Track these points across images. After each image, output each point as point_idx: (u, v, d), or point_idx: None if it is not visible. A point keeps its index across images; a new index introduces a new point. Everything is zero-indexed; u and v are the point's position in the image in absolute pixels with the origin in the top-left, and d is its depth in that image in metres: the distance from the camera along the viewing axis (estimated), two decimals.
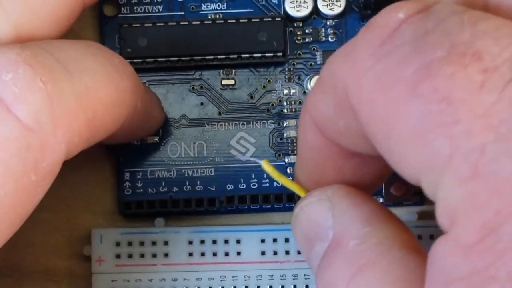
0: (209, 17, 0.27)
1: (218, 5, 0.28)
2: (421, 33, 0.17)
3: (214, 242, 0.27)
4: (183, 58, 0.27)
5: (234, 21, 0.27)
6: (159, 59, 0.27)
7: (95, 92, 0.21)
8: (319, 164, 0.22)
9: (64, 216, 0.27)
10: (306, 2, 0.27)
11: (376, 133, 0.18)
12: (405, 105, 0.17)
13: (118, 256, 0.27)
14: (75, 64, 0.20)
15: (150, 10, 0.27)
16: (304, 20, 0.27)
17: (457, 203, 0.16)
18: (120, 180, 0.27)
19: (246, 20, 0.27)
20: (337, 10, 0.27)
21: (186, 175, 0.27)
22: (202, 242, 0.27)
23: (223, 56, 0.27)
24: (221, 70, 0.27)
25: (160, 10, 0.27)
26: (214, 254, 0.27)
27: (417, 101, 0.17)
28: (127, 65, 0.22)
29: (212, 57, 0.27)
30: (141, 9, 0.27)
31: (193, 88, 0.27)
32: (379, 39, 0.18)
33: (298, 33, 0.28)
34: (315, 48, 0.28)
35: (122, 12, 0.27)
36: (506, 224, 0.15)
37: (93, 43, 0.22)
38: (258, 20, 0.27)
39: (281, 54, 0.27)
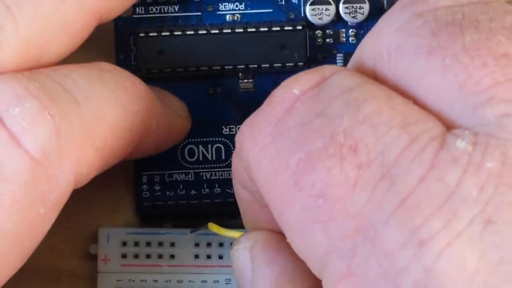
0: (227, 19, 0.26)
1: (236, 5, 0.27)
2: (309, 117, 0.18)
3: (221, 244, 0.27)
4: (201, 68, 0.26)
5: (254, 29, 0.26)
6: (177, 69, 0.26)
7: (104, 120, 0.21)
8: (252, 213, 0.22)
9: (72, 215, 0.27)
10: (328, 10, 0.26)
11: (272, 211, 0.19)
12: (290, 195, 0.18)
13: (124, 256, 0.27)
14: (82, 92, 0.20)
15: (166, 11, 0.26)
16: (326, 27, 0.27)
17: None
18: (137, 183, 0.27)
19: (266, 29, 0.26)
20: (360, 18, 0.26)
21: (204, 178, 0.27)
22: (209, 244, 0.27)
23: (242, 66, 0.26)
24: (240, 74, 0.27)
25: (176, 10, 0.26)
26: (220, 257, 0.27)
27: (299, 193, 0.17)
28: (140, 86, 0.22)
29: (231, 67, 0.26)
30: (156, 9, 0.26)
31: (212, 93, 0.27)
32: (275, 116, 0.18)
33: (318, 35, 0.27)
34: (336, 51, 0.27)
35: (137, 12, 0.26)
36: None
37: (105, 65, 0.22)
38: (278, 29, 0.26)
39: (302, 63, 0.26)
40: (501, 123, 0.16)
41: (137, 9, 0.26)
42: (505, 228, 0.15)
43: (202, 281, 0.27)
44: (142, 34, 0.26)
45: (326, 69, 0.19)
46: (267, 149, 0.18)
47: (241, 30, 0.26)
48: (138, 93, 0.22)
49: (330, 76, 0.18)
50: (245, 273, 0.22)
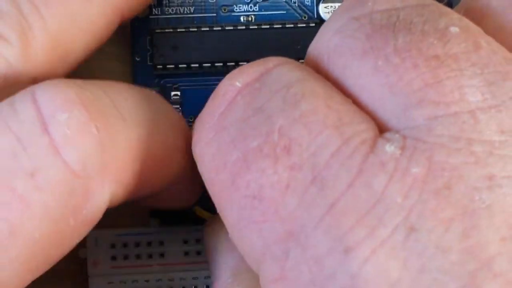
0: (242, 20, 0.27)
1: (251, 7, 0.27)
2: (247, 113, 0.18)
3: None
4: (216, 64, 0.26)
5: (268, 26, 0.26)
6: (192, 65, 0.26)
7: (147, 145, 0.20)
8: None
9: None
10: None
11: (216, 207, 0.19)
12: (228, 194, 0.18)
13: (113, 258, 0.27)
14: (131, 113, 0.20)
15: (182, 12, 0.27)
16: None
17: None
18: None
19: (280, 26, 0.26)
20: None
21: None
22: (198, 241, 0.27)
23: None
24: None
25: (192, 11, 0.27)
26: None
27: (235, 193, 0.17)
28: (184, 124, 0.22)
29: (245, 63, 0.26)
30: (172, 10, 0.27)
31: None
32: (218, 110, 0.18)
33: None
34: None
35: (153, 13, 0.27)
36: None
37: (155, 94, 0.22)
38: (292, 25, 0.26)
39: None
40: (430, 126, 0.16)
41: (153, 10, 0.27)
42: (428, 235, 0.15)
43: (193, 278, 0.27)
44: (158, 30, 0.26)
45: (271, 60, 0.19)
46: (210, 145, 0.18)
47: (255, 26, 0.26)
48: (182, 129, 0.22)
49: (274, 68, 0.18)
50: (211, 254, 0.23)
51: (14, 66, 0.20)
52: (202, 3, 0.27)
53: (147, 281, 0.27)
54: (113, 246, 0.27)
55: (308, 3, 0.27)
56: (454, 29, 0.17)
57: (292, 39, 0.26)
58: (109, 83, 0.21)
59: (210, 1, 0.27)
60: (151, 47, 0.26)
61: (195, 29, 0.26)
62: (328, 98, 0.17)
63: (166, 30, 0.26)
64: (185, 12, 0.27)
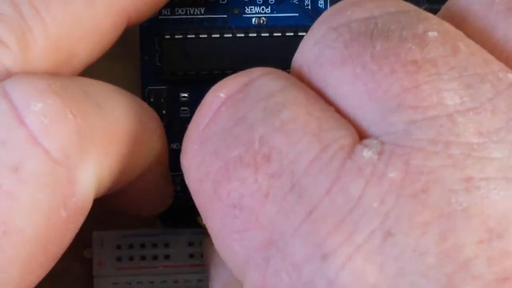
0: (253, 22, 0.26)
1: (262, 9, 0.26)
2: (230, 123, 0.18)
3: None
4: (226, 72, 0.26)
5: (279, 34, 0.26)
6: (202, 72, 0.26)
7: (125, 127, 0.20)
8: None
9: None
10: None
11: (202, 218, 0.19)
12: (211, 204, 0.18)
13: (119, 259, 0.27)
14: (105, 99, 0.20)
15: (192, 12, 0.26)
16: None
17: None
18: None
19: (292, 34, 0.26)
20: None
21: None
22: None
23: None
24: None
25: (202, 12, 0.26)
26: None
27: (217, 202, 0.18)
28: (155, 113, 0.22)
29: None
30: (182, 11, 0.26)
31: None
32: (203, 121, 0.19)
33: None
34: None
35: (162, 13, 0.26)
36: None
37: (126, 92, 0.22)
38: (304, 33, 0.26)
39: None
40: (408, 130, 0.16)
41: (163, 10, 0.26)
42: (404, 239, 0.15)
43: (199, 280, 0.27)
44: (167, 36, 0.26)
45: (255, 71, 0.19)
46: (195, 156, 0.18)
47: (267, 34, 0.26)
48: (154, 115, 0.22)
49: (257, 78, 0.19)
50: (208, 265, 0.23)
51: (14, 71, 0.20)
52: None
53: (152, 282, 0.27)
54: (118, 247, 0.27)
55: (321, 6, 0.26)
56: (432, 34, 0.17)
57: None
58: (78, 77, 0.21)
59: (221, 2, 0.26)
60: (160, 48, 0.26)
61: (205, 36, 0.26)
62: (309, 106, 0.17)
63: (176, 36, 0.26)
64: (195, 13, 0.26)
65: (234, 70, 0.25)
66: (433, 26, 0.17)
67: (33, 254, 0.19)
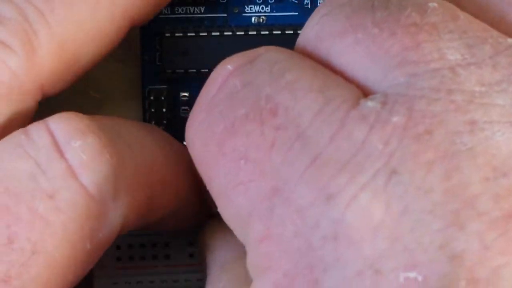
0: (253, 21, 0.26)
1: (262, 8, 0.27)
2: (237, 89, 0.18)
3: None
4: None
5: (279, 32, 0.26)
6: (202, 70, 0.26)
7: (154, 169, 0.21)
8: None
9: None
10: None
11: (205, 184, 0.19)
12: (215, 163, 0.18)
13: (119, 259, 0.27)
14: (136, 140, 0.21)
15: (192, 11, 0.26)
16: None
17: (256, 262, 0.17)
18: None
19: (292, 32, 0.26)
20: None
21: None
22: None
23: None
24: None
25: (202, 11, 0.27)
26: None
27: (222, 159, 0.18)
28: (187, 151, 0.22)
29: None
30: (182, 10, 0.26)
31: None
32: (210, 93, 0.19)
33: None
34: None
35: (163, 12, 0.26)
36: (294, 285, 0.16)
37: (154, 127, 0.23)
38: None
39: None
40: (410, 82, 0.16)
41: (163, 9, 0.26)
42: (409, 178, 0.16)
43: (198, 280, 0.27)
44: (167, 34, 0.26)
45: (262, 48, 0.19)
46: (201, 125, 0.19)
47: (267, 32, 0.26)
48: (184, 155, 0.22)
49: (264, 53, 0.19)
50: (205, 253, 0.23)
51: (19, 74, 0.21)
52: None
53: (152, 282, 0.27)
54: (118, 247, 0.27)
55: (320, 4, 0.27)
56: (432, 4, 0.18)
57: None
58: (112, 117, 0.22)
59: (221, 1, 0.26)
60: (160, 47, 0.26)
61: (205, 34, 0.26)
62: (314, 69, 0.18)
63: (176, 35, 0.26)
64: (195, 12, 0.27)
65: None
66: None
67: (53, 279, 0.19)
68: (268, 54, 0.19)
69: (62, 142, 0.20)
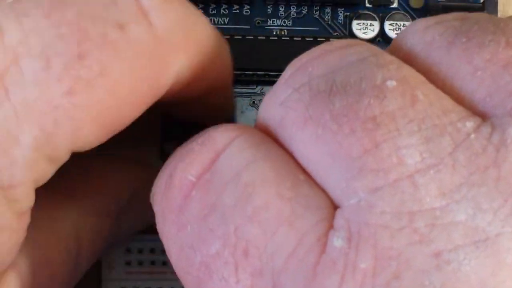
0: (275, 33, 0.27)
1: (284, 22, 0.27)
2: (203, 212, 0.18)
3: None
4: (246, 72, 0.27)
5: (299, 38, 0.27)
6: None
7: (210, 38, 0.21)
8: None
9: None
10: (373, 25, 0.27)
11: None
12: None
13: (128, 263, 0.27)
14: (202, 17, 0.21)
15: (216, 22, 0.27)
16: (369, 41, 0.27)
17: None
18: None
19: (311, 39, 0.27)
20: None
21: None
22: None
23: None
24: None
25: (226, 22, 0.27)
26: None
27: None
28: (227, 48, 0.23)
29: (275, 73, 0.27)
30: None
31: (253, 102, 0.27)
32: (176, 203, 0.18)
33: None
34: None
35: None
36: None
37: None
38: (324, 39, 0.26)
39: None
40: (370, 202, 0.16)
41: None
42: None
43: None
44: None
45: (218, 140, 0.18)
46: (174, 242, 0.18)
47: (288, 38, 0.27)
48: (227, 46, 0.23)
49: (223, 151, 0.18)
50: None
51: None
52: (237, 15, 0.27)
53: (160, 287, 0.26)
54: (128, 250, 0.27)
55: (340, 21, 0.27)
56: (391, 83, 0.17)
57: None
58: None
59: (245, 13, 0.27)
60: None
61: (228, 37, 0.26)
62: (279, 184, 0.17)
63: None
64: (220, 23, 0.27)
65: (254, 71, 0.26)
66: (391, 73, 0.17)
67: (109, 109, 0.19)
68: (228, 154, 0.18)
69: None
